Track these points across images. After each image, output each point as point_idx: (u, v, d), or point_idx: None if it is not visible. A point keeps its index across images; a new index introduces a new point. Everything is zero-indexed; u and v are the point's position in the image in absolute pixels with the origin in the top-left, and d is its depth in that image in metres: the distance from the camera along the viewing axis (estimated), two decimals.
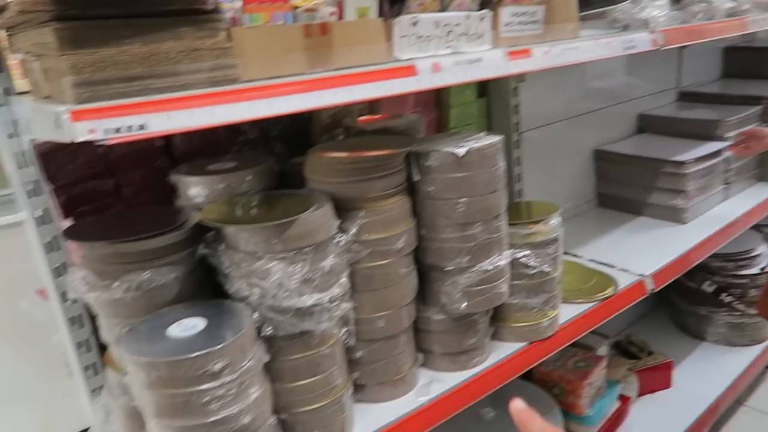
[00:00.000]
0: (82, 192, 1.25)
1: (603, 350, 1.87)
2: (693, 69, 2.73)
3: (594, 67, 2.21)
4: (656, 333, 2.49)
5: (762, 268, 2.29)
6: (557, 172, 2.12)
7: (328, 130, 1.55)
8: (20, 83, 0.97)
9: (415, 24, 1.07)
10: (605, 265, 1.71)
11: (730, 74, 2.96)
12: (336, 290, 1.00)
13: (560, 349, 1.59)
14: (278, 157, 1.42)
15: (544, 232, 1.31)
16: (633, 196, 2.14)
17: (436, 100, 1.88)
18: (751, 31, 1.92)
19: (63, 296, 1.11)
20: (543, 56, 1.22)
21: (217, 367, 0.83)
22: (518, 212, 1.43)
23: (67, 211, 1.25)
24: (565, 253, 1.82)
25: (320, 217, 0.99)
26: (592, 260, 1.76)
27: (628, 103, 2.41)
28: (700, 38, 1.66)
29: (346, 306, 1.03)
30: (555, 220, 1.32)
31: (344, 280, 1.03)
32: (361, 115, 1.59)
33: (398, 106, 1.74)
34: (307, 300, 0.96)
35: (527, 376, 1.82)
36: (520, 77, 1.90)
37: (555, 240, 1.32)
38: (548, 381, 1.72)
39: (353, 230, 1.07)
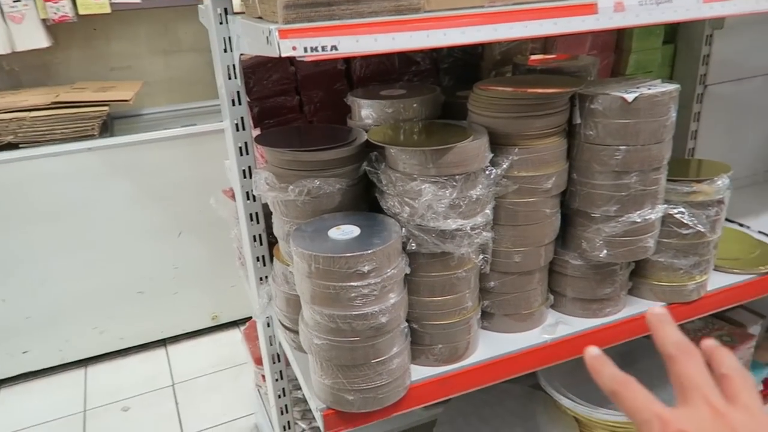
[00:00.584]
0: (272, 106, 1.42)
1: (755, 329, 1.74)
2: None
3: None
4: None
5: None
6: (741, 133, 1.94)
7: (498, 66, 1.57)
8: (236, 4, 1.12)
9: None
10: None
11: None
12: (479, 219, 1.06)
13: (702, 316, 1.53)
14: (446, 89, 1.48)
15: (706, 192, 1.24)
16: None
17: (616, 44, 1.79)
18: None
19: (246, 195, 1.29)
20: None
21: (365, 268, 0.95)
22: (684, 169, 1.36)
23: (257, 121, 1.43)
24: (732, 221, 1.70)
25: (475, 148, 1.04)
26: (761, 232, 1.62)
27: None
28: None
29: (487, 235, 1.09)
30: (722, 182, 1.24)
31: (488, 211, 1.09)
32: (533, 55, 1.58)
33: (573, 47, 1.69)
34: (451, 224, 1.03)
35: None
36: (718, 23, 1.74)
37: (718, 202, 1.25)
38: None
39: (505, 165, 1.11)
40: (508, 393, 1.68)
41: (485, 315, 1.25)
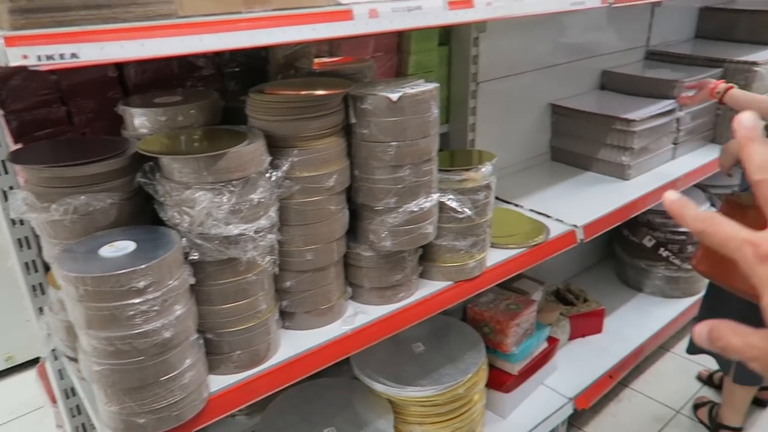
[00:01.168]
0: (33, 118, 1.29)
1: (537, 295, 1.99)
2: (665, 28, 2.75)
3: (564, 20, 2.23)
4: (599, 283, 2.63)
5: None
6: (513, 124, 2.18)
7: (284, 69, 1.59)
8: None
9: None
10: (543, 215, 1.80)
11: (702, 35, 2.99)
12: (263, 222, 1.07)
13: (493, 289, 1.70)
14: (232, 93, 1.46)
15: (475, 179, 1.38)
16: (583, 151, 2.21)
17: (398, 46, 1.91)
18: None
19: (12, 219, 1.17)
20: (485, 7, 1.25)
21: (141, 284, 0.91)
22: (458, 159, 1.50)
23: (19, 136, 1.29)
24: (508, 202, 1.92)
25: (250, 152, 1.05)
26: (532, 210, 1.84)
27: (593, 59, 2.44)
28: None
29: (272, 237, 1.10)
30: (486, 169, 1.39)
31: (273, 213, 1.10)
32: (320, 57, 1.63)
33: (358, 50, 1.77)
34: (233, 229, 1.03)
35: (463, 317, 1.94)
36: (481, 27, 1.93)
37: (486, 187, 1.39)
38: (480, 321, 1.83)
39: (285, 167, 1.13)
40: (328, 387, 1.72)
41: (286, 315, 1.27)
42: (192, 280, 1.02)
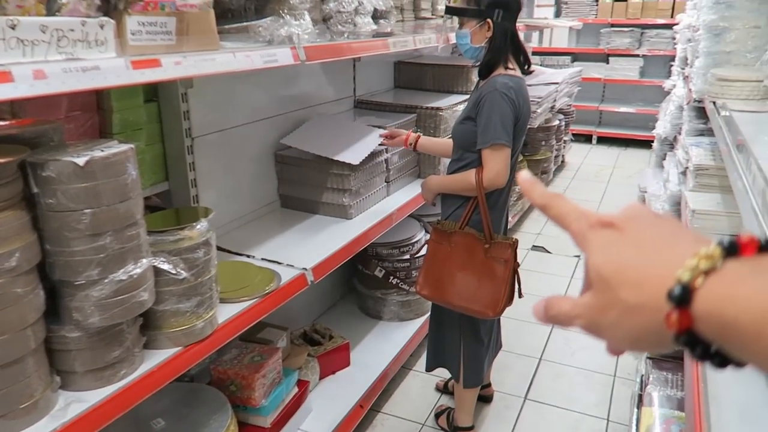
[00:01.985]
0: None
1: (282, 342, 2.00)
2: (368, 80, 3.08)
3: (277, 74, 2.34)
4: (345, 318, 2.77)
5: (413, 254, 2.71)
6: (238, 176, 2.20)
7: None
8: None
9: (14, 27, 1.00)
10: (275, 262, 1.83)
11: (400, 85, 3.42)
12: None
13: (237, 344, 1.65)
14: None
15: (192, 237, 1.34)
16: (309, 196, 2.33)
17: (98, 104, 1.78)
18: (393, 51, 2.25)
19: None
20: (175, 66, 1.25)
21: None
22: (182, 217, 1.45)
23: None
24: (239, 254, 1.91)
25: None
26: (264, 259, 1.86)
27: (309, 109, 2.61)
28: (342, 55, 1.88)
29: None
30: (202, 225, 1.37)
31: None
32: None
33: (48, 110, 1.61)
34: None
35: (210, 379, 1.86)
36: (188, 83, 1.92)
37: (204, 244, 1.37)
38: (226, 379, 1.77)
39: None
40: None
41: None
42: None
